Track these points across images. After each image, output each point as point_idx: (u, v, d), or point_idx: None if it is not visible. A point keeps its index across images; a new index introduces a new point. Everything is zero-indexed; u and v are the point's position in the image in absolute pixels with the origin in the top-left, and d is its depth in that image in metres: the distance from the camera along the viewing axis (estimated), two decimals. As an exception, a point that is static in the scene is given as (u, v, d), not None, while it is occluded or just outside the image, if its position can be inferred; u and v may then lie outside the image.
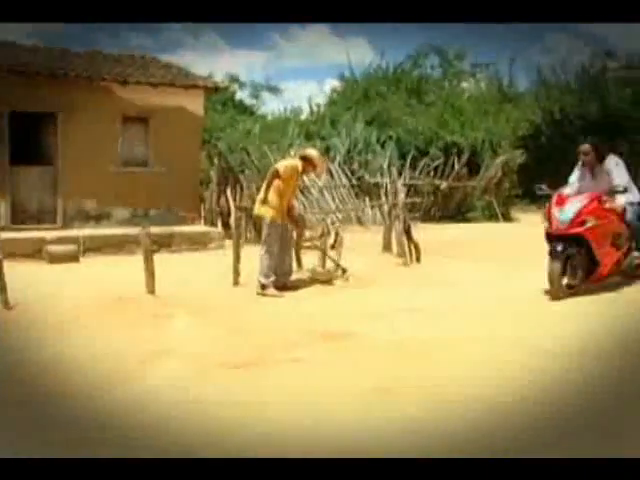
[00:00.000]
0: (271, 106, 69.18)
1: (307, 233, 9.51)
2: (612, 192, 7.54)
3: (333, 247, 9.65)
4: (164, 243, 11.69)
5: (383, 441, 3.72)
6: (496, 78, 29.24)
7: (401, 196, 12.11)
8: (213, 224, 14.19)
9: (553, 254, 7.31)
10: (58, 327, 6.35)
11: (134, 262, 8.73)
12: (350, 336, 6.06)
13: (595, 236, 7.31)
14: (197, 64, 57.49)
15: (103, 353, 5.53)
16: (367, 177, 18.12)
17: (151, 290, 7.83)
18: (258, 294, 8.04)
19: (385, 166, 18.48)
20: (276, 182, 8.18)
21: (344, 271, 8.83)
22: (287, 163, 8.64)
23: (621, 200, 7.56)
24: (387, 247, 11.51)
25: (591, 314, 6.74)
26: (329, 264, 9.08)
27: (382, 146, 20.54)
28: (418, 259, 10.31)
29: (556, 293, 7.26)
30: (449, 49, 31.96)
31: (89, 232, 11.75)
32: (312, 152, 8.61)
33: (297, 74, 63.75)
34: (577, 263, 7.40)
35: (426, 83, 30.22)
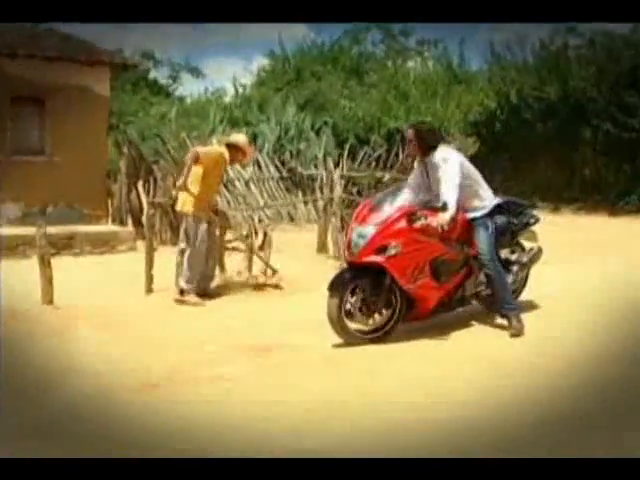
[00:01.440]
0: (190, 87, 68.74)
1: (229, 233, 9.48)
2: (431, 207, 6.31)
3: (261, 248, 9.64)
4: (64, 245, 11.47)
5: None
6: (445, 57, 29.72)
7: (338, 190, 12.18)
8: (122, 223, 13.99)
9: (333, 285, 6.19)
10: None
11: (28, 268, 8.55)
12: (280, 349, 6.09)
13: (401, 267, 6.16)
14: (103, 37, 56.53)
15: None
16: (300, 169, 18.15)
17: (49, 300, 7.69)
18: (176, 301, 7.99)
19: (320, 156, 18.54)
20: (198, 171, 8.11)
21: (275, 271, 8.88)
22: (211, 149, 8.60)
23: (444, 218, 6.11)
24: (322, 248, 11.56)
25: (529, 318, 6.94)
26: (256, 268, 9.08)
27: (317, 133, 20.61)
28: (358, 261, 10.36)
29: (343, 336, 6.20)
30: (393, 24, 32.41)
31: (-26, 233, 11.45)
32: (238, 138, 8.62)
33: (220, 51, 63.64)
34: (375, 299, 6.27)
35: (367, 62, 30.52)
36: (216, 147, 8.67)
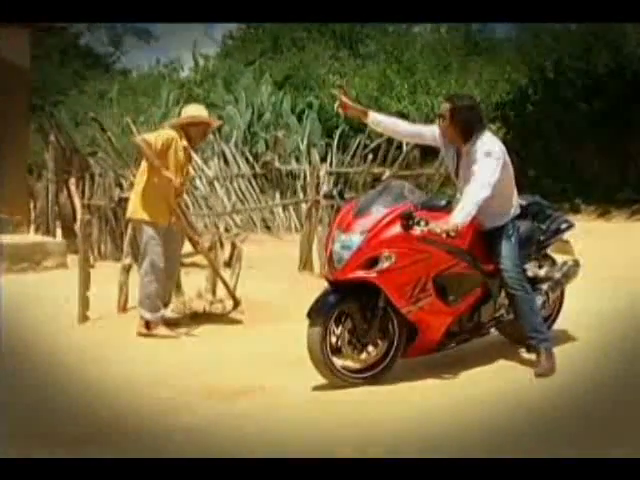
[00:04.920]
0: (136, 57, 68.61)
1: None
2: (433, 207, 6.35)
3: (228, 264, 9.66)
4: (-27, 261, 11.47)
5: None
6: (462, 20, 29.88)
7: (325, 190, 12.22)
8: (49, 232, 13.99)
9: (313, 311, 6.21)
10: None
11: None
12: (256, 392, 6.13)
13: (397, 284, 6.10)
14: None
15: None
16: (277, 163, 18.19)
17: (-48, 332, 7.68)
18: (141, 335, 7.96)
19: (303, 147, 18.61)
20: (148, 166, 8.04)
21: (237, 303, 8.81)
22: (161, 133, 8.41)
23: (455, 220, 5.99)
24: (306, 264, 11.57)
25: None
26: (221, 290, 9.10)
27: (299, 118, 20.68)
28: (351, 280, 10.39)
29: (328, 375, 6.19)
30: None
31: None
32: (195, 111, 8.47)
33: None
34: (366, 327, 6.21)
35: (362, 27, 30.61)
36: (166, 130, 8.48)
